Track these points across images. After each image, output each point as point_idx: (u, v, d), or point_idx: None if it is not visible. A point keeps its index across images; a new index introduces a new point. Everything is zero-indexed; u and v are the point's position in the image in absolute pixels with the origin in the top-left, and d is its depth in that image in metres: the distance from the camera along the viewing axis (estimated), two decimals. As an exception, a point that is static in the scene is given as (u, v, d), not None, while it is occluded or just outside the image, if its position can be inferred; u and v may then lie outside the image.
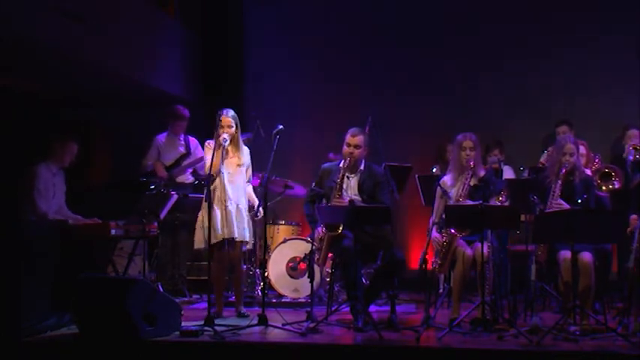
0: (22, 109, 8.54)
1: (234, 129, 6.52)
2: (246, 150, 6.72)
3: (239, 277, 6.79)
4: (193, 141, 8.26)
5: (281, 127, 6.38)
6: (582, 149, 7.07)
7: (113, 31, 7.67)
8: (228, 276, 7.60)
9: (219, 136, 6.39)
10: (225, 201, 6.49)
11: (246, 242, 6.63)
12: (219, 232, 6.44)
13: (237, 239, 6.52)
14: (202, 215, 6.46)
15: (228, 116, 6.50)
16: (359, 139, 6.39)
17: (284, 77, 9.42)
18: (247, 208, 6.64)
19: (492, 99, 9.06)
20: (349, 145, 6.40)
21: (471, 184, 6.24)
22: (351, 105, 8.76)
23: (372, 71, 9.26)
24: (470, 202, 6.08)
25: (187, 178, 8.18)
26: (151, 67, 8.63)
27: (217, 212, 6.45)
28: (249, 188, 6.78)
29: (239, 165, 6.60)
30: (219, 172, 6.45)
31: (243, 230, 6.53)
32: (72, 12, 6.86)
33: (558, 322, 5.60)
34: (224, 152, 6.40)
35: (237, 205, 6.53)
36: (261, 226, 7.04)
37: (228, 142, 6.41)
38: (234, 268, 6.75)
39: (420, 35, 9.20)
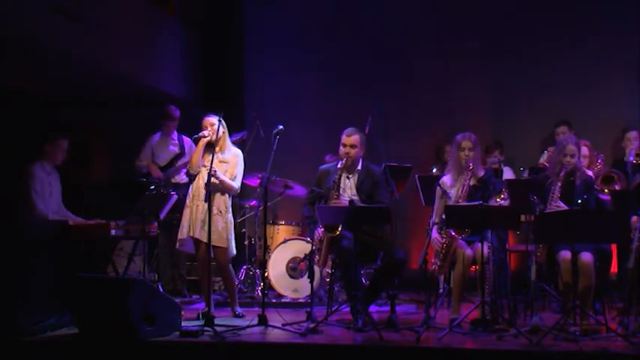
0: (22, 109, 8.55)
1: (216, 126, 6.46)
2: (236, 152, 6.66)
3: (225, 279, 6.74)
4: (188, 141, 8.26)
5: (281, 127, 6.39)
6: (585, 150, 7.05)
7: (113, 30, 7.66)
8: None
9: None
10: (198, 200, 6.44)
11: (218, 247, 6.44)
12: (185, 228, 6.47)
13: (201, 240, 6.41)
14: (185, 211, 6.56)
15: (211, 117, 6.53)
16: (354, 138, 6.40)
17: (284, 77, 9.41)
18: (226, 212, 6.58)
19: (492, 99, 9.06)
20: (345, 146, 6.40)
21: (471, 184, 6.24)
22: (351, 105, 8.75)
23: (372, 71, 9.25)
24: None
25: (182, 178, 8.17)
26: (151, 67, 8.63)
27: (187, 210, 6.49)
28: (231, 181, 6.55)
29: (221, 161, 6.53)
30: (197, 171, 6.45)
31: (215, 233, 6.35)
32: (70, 11, 6.85)
33: (558, 322, 5.60)
34: (203, 146, 6.40)
35: (209, 206, 6.24)
36: (259, 226, 7.04)
37: (208, 138, 6.42)
38: (220, 271, 6.72)
39: (421, 36, 9.20)
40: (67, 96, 9.08)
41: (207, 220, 6.11)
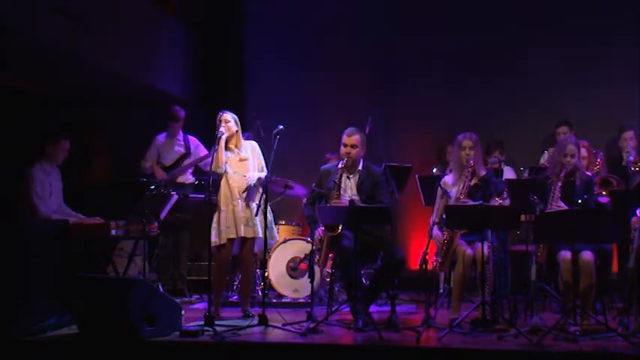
0: (22, 109, 8.55)
1: (232, 124, 6.56)
2: (251, 144, 6.74)
3: (247, 276, 6.77)
4: (194, 141, 8.26)
5: (281, 127, 6.39)
6: (583, 152, 7.04)
7: (113, 30, 7.66)
8: (229, 276, 7.62)
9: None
10: (232, 200, 6.51)
11: (258, 237, 6.57)
12: (225, 232, 6.48)
13: (248, 237, 6.53)
14: (216, 215, 6.56)
15: (226, 113, 6.59)
16: (355, 138, 6.40)
17: (284, 77, 9.41)
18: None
19: (493, 99, 9.05)
20: (346, 146, 6.41)
21: (472, 183, 6.25)
22: (352, 105, 8.76)
23: (373, 71, 9.25)
24: (470, 202, 6.10)
25: (188, 178, 8.18)
26: (151, 67, 8.63)
27: (224, 213, 6.51)
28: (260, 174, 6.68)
29: (242, 160, 6.62)
30: (223, 169, 6.45)
31: (254, 226, 6.53)
32: (70, 11, 6.85)
33: (558, 322, 5.60)
34: (223, 144, 6.41)
35: (248, 202, 6.55)
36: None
37: (225, 134, 6.45)
38: (244, 267, 6.76)
39: (420, 36, 9.19)
40: (67, 96, 9.08)
41: (209, 219, 6.15)
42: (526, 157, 8.31)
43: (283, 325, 6.01)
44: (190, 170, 8.20)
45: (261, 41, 9.54)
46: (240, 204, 6.53)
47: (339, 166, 6.39)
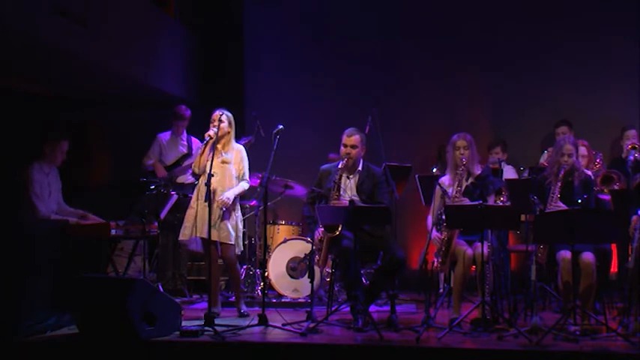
0: (22, 110, 8.55)
1: (225, 124, 6.51)
2: (238, 148, 6.67)
3: (233, 277, 6.78)
4: (196, 142, 8.26)
5: (281, 127, 6.40)
6: (583, 150, 7.06)
7: (113, 31, 7.66)
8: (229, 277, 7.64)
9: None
10: (204, 200, 6.42)
11: (229, 244, 6.50)
12: (189, 230, 6.47)
13: (212, 239, 6.43)
14: (188, 212, 6.55)
15: (223, 114, 6.54)
16: (355, 139, 6.41)
17: (284, 77, 9.41)
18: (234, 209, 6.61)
19: (492, 99, 9.05)
20: (346, 146, 6.41)
21: (468, 182, 6.26)
22: (352, 105, 8.75)
23: (373, 71, 9.25)
24: (465, 201, 6.11)
25: (188, 178, 8.18)
26: (151, 67, 8.62)
27: (193, 210, 6.50)
28: (240, 185, 6.62)
29: (224, 162, 6.55)
30: (204, 170, 6.38)
31: (220, 230, 6.45)
32: (74, 15, 6.85)
33: (558, 322, 5.61)
34: (213, 148, 6.37)
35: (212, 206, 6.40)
36: (259, 226, 7.05)
37: (213, 138, 6.38)
38: (228, 269, 6.77)
39: (421, 36, 9.19)
40: (67, 96, 9.08)
41: (208, 219, 6.13)
42: (526, 157, 8.32)
43: (283, 325, 6.01)
44: (191, 170, 8.19)
45: (260, 41, 9.54)
46: (211, 205, 6.39)
47: (339, 166, 6.39)
